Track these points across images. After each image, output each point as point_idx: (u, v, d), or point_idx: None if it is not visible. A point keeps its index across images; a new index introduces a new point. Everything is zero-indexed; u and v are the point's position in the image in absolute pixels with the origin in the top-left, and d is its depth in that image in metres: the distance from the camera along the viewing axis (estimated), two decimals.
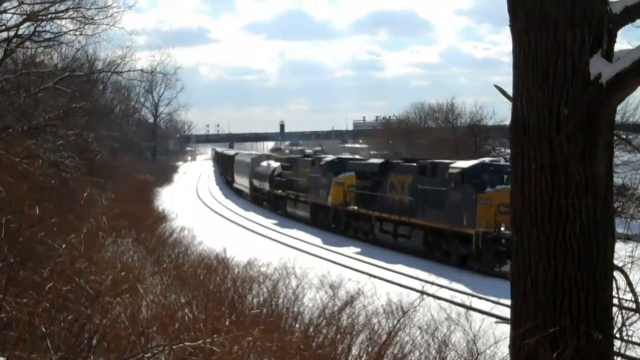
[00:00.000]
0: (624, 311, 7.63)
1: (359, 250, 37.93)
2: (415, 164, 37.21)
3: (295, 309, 14.28)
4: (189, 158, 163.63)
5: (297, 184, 52.21)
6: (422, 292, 12.78)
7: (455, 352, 10.74)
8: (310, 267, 17.99)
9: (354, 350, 11.35)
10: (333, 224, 45.47)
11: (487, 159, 35.60)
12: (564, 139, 6.50)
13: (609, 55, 6.58)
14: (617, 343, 7.69)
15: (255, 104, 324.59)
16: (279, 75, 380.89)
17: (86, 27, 30.80)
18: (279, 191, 56.40)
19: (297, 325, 13.48)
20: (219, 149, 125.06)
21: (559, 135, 6.51)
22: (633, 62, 6.33)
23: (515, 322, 6.69)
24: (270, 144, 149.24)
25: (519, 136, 6.72)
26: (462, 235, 31.54)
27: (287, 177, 55.09)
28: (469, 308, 16.77)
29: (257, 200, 64.67)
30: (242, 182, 72.40)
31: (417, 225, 35.19)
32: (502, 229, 28.80)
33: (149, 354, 6.45)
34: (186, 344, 6.04)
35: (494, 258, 29.61)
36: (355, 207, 42.64)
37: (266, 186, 60.31)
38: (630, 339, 7.92)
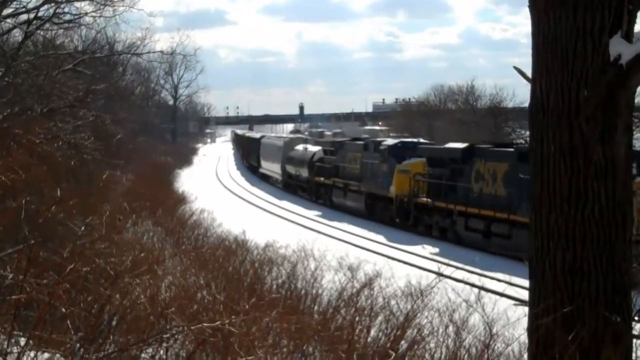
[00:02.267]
0: None
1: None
2: (512, 149, 31.38)
3: (314, 291, 14.34)
4: (209, 140, 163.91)
5: (346, 171, 46.25)
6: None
7: (473, 335, 10.73)
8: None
9: (373, 332, 11.38)
10: (397, 218, 38.68)
11: None
12: (583, 121, 6.46)
13: (628, 36, 6.51)
14: (636, 326, 7.68)
15: (274, 85, 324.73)
16: (297, 57, 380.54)
17: (105, 8, 30.90)
18: (322, 179, 50.29)
19: (315, 307, 13.53)
20: (240, 131, 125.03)
21: (578, 117, 6.47)
22: None
23: (534, 304, 6.68)
24: (289, 126, 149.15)
25: (538, 118, 6.69)
26: None
27: (332, 163, 49.08)
28: (501, 294, 16.78)
29: (291, 187, 59.07)
30: (271, 167, 66.67)
31: (519, 223, 27.60)
32: None
33: (167, 335, 6.50)
34: (204, 324, 6.07)
35: None
36: (429, 200, 35.66)
37: (304, 173, 54.66)
38: None
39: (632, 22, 6.58)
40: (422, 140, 43.38)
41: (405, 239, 34.16)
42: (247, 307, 8.26)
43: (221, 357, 6.93)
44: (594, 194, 6.45)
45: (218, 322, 6.00)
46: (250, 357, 6.21)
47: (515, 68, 7.64)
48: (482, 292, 14.59)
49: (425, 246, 32.35)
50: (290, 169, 58.63)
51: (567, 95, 6.52)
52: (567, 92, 6.53)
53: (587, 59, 6.48)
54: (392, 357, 8.05)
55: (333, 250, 19.07)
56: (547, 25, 6.65)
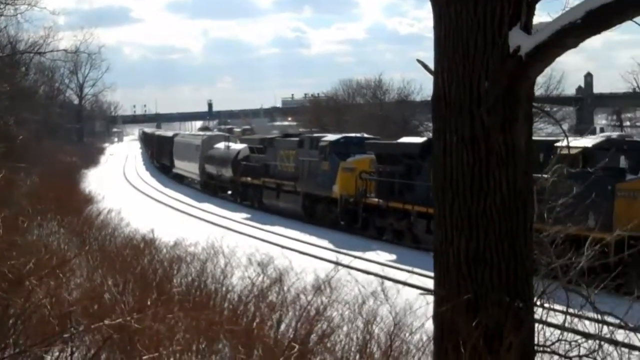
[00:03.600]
0: (544, 280, 7.80)
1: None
2: None
3: (224, 288, 14.27)
4: (116, 139, 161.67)
5: (279, 170, 42.75)
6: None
7: (382, 325, 10.83)
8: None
9: (283, 327, 11.39)
10: (342, 220, 35.49)
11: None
12: (485, 112, 6.57)
13: (527, 27, 6.64)
14: (537, 310, 7.86)
15: (182, 83, 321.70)
16: (204, 54, 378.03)
17: (6, 7, 30.20)
18: (249, 179, 46.86)
19: (226, 304, 13.47)
20: (148, 130, 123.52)
21: (480, 108, 6.58)
22: (551, 34, 6.40)
23: (439, 294, 6.77)
24: (198, 124, 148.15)
25: (440, 110, 6.78)
26: None
27: (260, 161, 45.40)
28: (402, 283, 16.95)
29: (210, 188, 55.50)
30: (186, 167, 62.71)
31: None
32: None
33: (68, 335, 6.37)
34: (106, 323, 5.97)
35: None
36: (380, 200, 32.75)
37: (227, 173, 50.97)
38: (551, 306, 8.10)
39: (530, 14, 6.71)
40: (366, 135, 40.12)
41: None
42: (153, 304, 8.16)
43: (126, 355, 6.83)
44: (495, 183, 6.56)
45: (120, 320, 5.90)
46: (155, 355, 6.14)
47: (419, 61, 7.72)
48: (390, 283, 14.75)
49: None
50: (211, 168, 55.16)
51: (469, 86, 6.62)
52: (468, 83, 6.62)
53: (487, 50, 6.59)
54: (296, 349, 8.03)
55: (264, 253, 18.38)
56: (448, 18, 6.74)
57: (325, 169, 37.39)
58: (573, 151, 22.42)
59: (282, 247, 27.24)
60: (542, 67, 6.77)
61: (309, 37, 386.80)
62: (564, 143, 24.12)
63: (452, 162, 6.67)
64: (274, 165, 43.54)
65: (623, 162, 23.72)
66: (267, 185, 44.34)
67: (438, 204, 6.86)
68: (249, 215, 42.92)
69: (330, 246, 30.60)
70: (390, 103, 76.55)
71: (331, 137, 39.69)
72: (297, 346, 8.86)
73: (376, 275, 19.20)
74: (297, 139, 43.12)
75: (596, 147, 23.44)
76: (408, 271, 22.22)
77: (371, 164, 34.61)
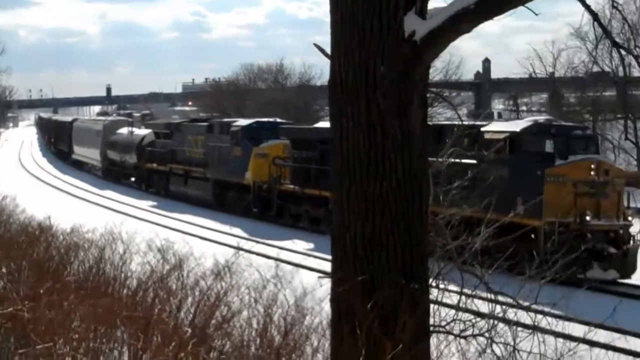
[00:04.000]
0: (439, 261, 7.94)
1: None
2: None
3: (123, 275, 14.07)
4: (11, 125, 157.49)
5: (187, 156, 41.41)
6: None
7: (283, 309, 10.85)
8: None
9: (183, 312, 11.30)
10: (255, 207, 34.61)
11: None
12: (381, 96, 6.63)
13: (422, 13, 6.73)
14: (433, 291, 8.00)
15: (79, 67, 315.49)
16: (102, 38, 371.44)
17: None
18: (154, 165, 45.44)
19: (125, 291, 13.30)
20: (44, 115, 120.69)
21: (376, 93, 6.64)
22: (445, 19, 6.50)
23: (337, 277, 6.82)
24: (96, 108, 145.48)
25: (337, 94, 6.82)
26: None
27: (166, 147, 44.01)
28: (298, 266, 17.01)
29: (113, 175, 54.00)
30: (87, 153, 60.83)
31: None
32: None
33: None
34: None
35: None
36: (296, 187, 31.86)
37: (130, 159, 49.53)
38: (446, 287, 8.26)
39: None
40: (278, 120, 39.22)
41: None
42: (46, 292, 8.01)
43: (20, 345, 6.70)
44: (391, 167, 6.64)
45: (11, 309, 5.78)
46: (50, 344, 6.03)
47: (316, 45, 7.75)
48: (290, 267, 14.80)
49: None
50: (113, 154, 53.39)
51: (365, 71, 6.67)
52: (364, 68, 6.68)
53: (383, 35, 6.65)
54: (188, 334, 7.99)
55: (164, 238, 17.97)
56: (344, 3, 6.78)
57: (236, 155, 36.27)
58: (500, 136, 22.93)
59: (183, 232, 26.93)
60: (437, 51, 6.87)
61: (210, 21, 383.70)
62: (491, 128, 24.40)
63: (349, 146, 6.72)
64: (181, 150, 42.23)
65: (549, 146, 23.50)
66: (174, 172, 43.11)
67: (336, 188, 6.91)
68: (155, 203, 41.67)
69: (244, 234, 28.32)
70: (292, 88, 76.61)
71: (243, 122, 38.58)
72: (196, 331, 8.80)
73: (277, 259, 19.21)
74: (206, 123, 41.95)
75: (524, 131, 23.30)
76: (303, 254, 22.34)
77: (285, 150, 33.87)
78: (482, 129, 23.37)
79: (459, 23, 6.44)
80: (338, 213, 6.87)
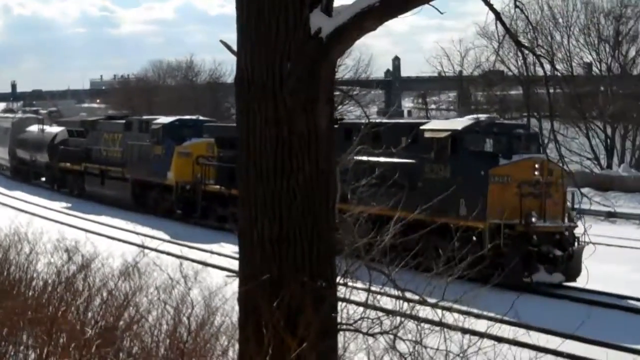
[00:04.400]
0: (347, 258, 7.97)
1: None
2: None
3: (29, 276, 13.76)
4: None
5: (103, 155, 39.92)
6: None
7: (192, 310, 10.75)
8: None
9: (90, 314, 11.11)
10: (178, 209, 33.52)
11: None
12: (287, 94, 6.60)
13: (328, 10, 6.72)
14: (341, 289, 8.02)
15: None
16: (5, 33, 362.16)
17: None
18: (67, 164, 43.89)
19: (30, 293, 13.01)
20: None
21: (282, 90, 6.61)
22: (351, 16, 6.51)
23: (244, 274, 6.77)
24: (0, 105, 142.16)
25: (243, 91, 6.77)
26: None
27: (81, 145, 42.57)
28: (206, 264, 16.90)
29: (23, 175, 51.96)
30: None
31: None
32: None
33: None
34: None
35: None
36: (222, 187, 30.68)
37: (42, 158, 47.89)
38: (354, 284, 8.30)
39: None
40: (201, 118, 37.99)
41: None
42: None
43: None
44: (298, 164, 6.62)
45: None
46: None
47: (222, 42, 7.69)
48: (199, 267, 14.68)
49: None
50: (23, 153, 51.48)
51: (271, 68, 6.64)
52: (271, 65, 6.64)
53: (289, 32, 6.62)
54: (93, 334, 7.85)
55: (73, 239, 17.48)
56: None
57: (158, 154, 34.85)
58: (441, 135, 22.13)
59: (96, 233, 26.19)
60: (343, 49, 6.88)
61: (118, 16, 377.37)
62: (431, 126, 23.94)
63: (256, 143, 6.67)
64: (97, 149, 40.63)
65: (492, 145, 22.74)
66: (89, 172, 41.53)
67: (242, 184, 6.86)
68: (69, 204, 40.04)
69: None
70: (202, 85, 76.15)
71: (164, 119, 37.19)
72: (102, 333, 8.65)
73: (186, 258, 19.07)
74: (123, 121, 40.36)
75: (466, 130, 22.49)
76: (208, 252, 22.18)
77: (209, 149, 32.84)
78: (422, 127, 22.90)
79: (364, 20, 6.46)
80: (244, 210, 6.82)
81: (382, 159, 21.90)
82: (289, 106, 6.58)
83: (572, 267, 20.69)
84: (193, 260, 17.57)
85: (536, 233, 20.70)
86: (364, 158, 22.99)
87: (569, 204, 22.04)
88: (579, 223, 21.28)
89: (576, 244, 21.14)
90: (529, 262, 20.44)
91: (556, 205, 21.52)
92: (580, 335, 13.86)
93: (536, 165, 21.53)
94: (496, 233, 20.17)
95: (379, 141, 23.82)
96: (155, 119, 38.29)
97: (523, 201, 20.87)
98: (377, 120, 19.23)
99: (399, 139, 22.09)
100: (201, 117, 38.69)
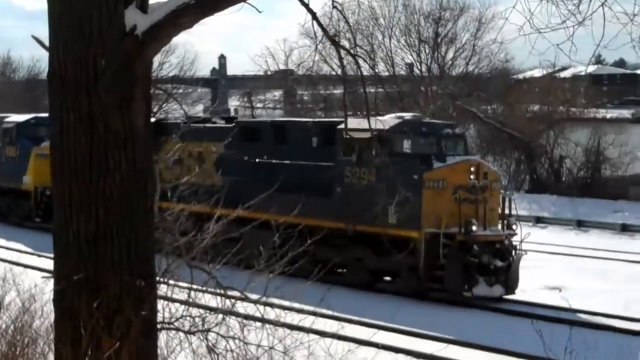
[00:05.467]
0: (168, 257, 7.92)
1: None
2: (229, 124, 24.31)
3: None
4: None
5: None
6: None
7: (8, 314, 10.39)
8: None
9: None
10: (37, 217, 30.28)
11: None
12: (102, 91, 6.49)
13: (144, 6, 6.66)
14: (163, 288, 7.98)
15: None
16: None
17: None
18: None
19: None
20: None
21: (97, 87, 6.49)
22: (166, 13, 6.48)
23: (59, 275, 6.62)
24: None
25: (56, 87, 6.62)
26: None
27: None
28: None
29: None
30: None
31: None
32: None
33: None
34: None
35: None
36: None
37: None
38: (176, 283, 8.26)
39: None
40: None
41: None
42: None
43: None
44: (115, 162, 6.52)
45: None
46: None
47: (34, 37, 7.50)
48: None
49: None
50: None
51: (85, 65, 6.51)
52: (84, 62, 6.52)
53: (103, 29, 6.51)
54: None
55: None
56: None
57: (11, 156, 31.80)
58: (364, 135, 18.47)
59: None
60: (159, 46, 6.84)
61: None
62: (349, 125, 20.88)
63: (70, 141, 6.53)
64: None
65: (421, 147, 20.29)
66: None
67: (56, 183, 6.69)
68: None
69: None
70: (20, 81, 73.66)
71: (17, 117, 33.63)
72: None
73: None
74: None
75: (394, 130, 19.82)
76: (32, 254, 21.43)
77: None
78: (339, 126, 20.09)
79: (180, 17, 6.44)
80: (59, 209, 6.65)
81: (286, 161, 21.04)
82: (104, 104, 6.48)
83: (511, 279, 19.04)
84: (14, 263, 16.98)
85: (477, 242, 18.77)
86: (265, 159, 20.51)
87: (506, 210, 20.09)
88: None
89: (514, 253, 19.37)
90: (469, 275, 18.54)
91: (492, 211, 19.65)
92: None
93: (472, 169, 19.53)
94: (432, 243, 18.47)
95: (282, 142, 22.26)
96: (7, 116, 34.35)
97: (462, 208, 18.96)
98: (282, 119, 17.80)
99: (308, 139, 21.16)
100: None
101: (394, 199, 18.07)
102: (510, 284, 18.95)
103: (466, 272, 18.51)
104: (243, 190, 14.80)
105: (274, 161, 21.60)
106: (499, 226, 19.70)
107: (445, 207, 18.73)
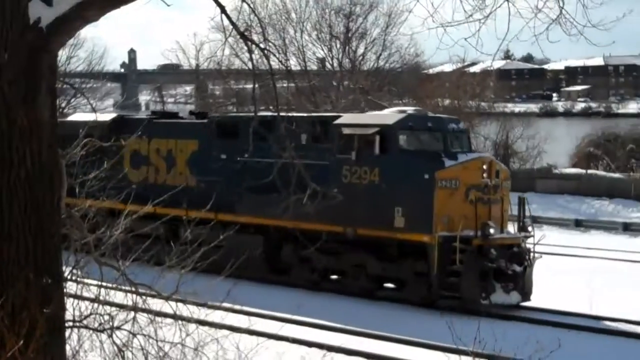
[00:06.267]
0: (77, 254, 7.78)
1: None
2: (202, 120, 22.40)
3: None
4: None
5: None
6: None
7: None
8: None
9: None
10: None
11: None
12: (6, 84, 6.35)
13: None
14: (72, 286, 7.84)
15: None
16: None
17: None
18: None
19: None
20: None
21: (0, 80, 6.33)
22: (71, 6, 6.36)
23: None
24: None
25: None
26: None
27: None
28: None
29: None
30: None
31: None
32: None
33: None
34: None
35: None
36: None
37: None
38: (85, 280, 8.12)
39: None
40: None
41: None
42: None
43: None
44: (19, 157, 6.38)
45: None
46: None
47: None
48: None
49: None
50: None
51: None
52: None
53: (6, 22, 6.36)
54: None
55: None
56: None
57: None
58: (367, 131, 18.07)
59: None
60: (64, 39, 6.72)
61: None
62: (348, 120, 18.61)
63: None
64: None
65: (429, 143, 18.71)
66: None
67: None
68: None
69: None
70: None
71: None
72: None
73: None
74: None
75: (399, 125, 18.17)
76: None
77: None
78: (335, 121, 18.89)
79: (86, 10, 6.34)
80: None
81: (271, 160, 18.59)
82: (8, 97, 6.33)
83: (526, 285, 17.78)
84: None
85: (494, 246, 17.31)
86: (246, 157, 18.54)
87: (524, 210, 18.74)
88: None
89: (529, 256, 18.05)
90: (486, 281, 17.15)
91: (505, 212, 18.33)
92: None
93: (484, 166, 17.96)
94: (445, 248, 16.99)
95: (265, 139, 19.85)
96: None
97: (478, 209, 17.53)
98: (266, 113, 15.61)
99: (297, 135, 18.22)
100: None
101: (400, 200, 17.26)
102: (526, 290, 17.79)
103: (483, 279, 17.20)
104: (222, 192, 14.14)
105: (256, 160, 17.66)
106: (517, 229, 18.53)
107: (458, 209, 17.31)
